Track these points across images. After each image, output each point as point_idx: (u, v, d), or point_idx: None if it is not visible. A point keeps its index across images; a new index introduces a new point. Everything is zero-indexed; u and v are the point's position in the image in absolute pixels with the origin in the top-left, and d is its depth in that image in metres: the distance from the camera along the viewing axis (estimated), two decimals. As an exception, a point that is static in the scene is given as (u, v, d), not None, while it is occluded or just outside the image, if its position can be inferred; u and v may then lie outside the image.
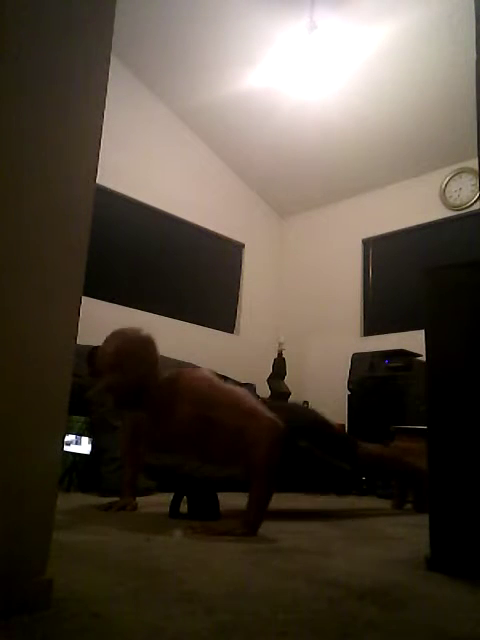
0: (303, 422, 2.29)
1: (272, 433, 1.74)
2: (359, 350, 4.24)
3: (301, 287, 5.41)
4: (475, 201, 4.29)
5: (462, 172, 4.39)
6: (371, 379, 3.93)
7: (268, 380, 4.54)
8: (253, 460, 1.72)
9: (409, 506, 2.72)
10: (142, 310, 4.34)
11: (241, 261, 5.34)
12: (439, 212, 4.50)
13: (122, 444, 2.28)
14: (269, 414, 1.81)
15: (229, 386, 1.99)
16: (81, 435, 2.77)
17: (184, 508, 1.99)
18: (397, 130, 4.32)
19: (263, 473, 1.72)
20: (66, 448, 2.74)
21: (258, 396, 3.92)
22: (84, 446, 2.76)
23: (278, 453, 1.74)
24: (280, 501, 2.71)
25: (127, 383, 1.84)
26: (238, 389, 2.04)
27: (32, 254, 0.89)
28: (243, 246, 5.34)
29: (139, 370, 1.85)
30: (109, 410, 2.16)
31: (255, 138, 4.74)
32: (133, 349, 1.86)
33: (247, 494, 1.74)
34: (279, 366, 4.59)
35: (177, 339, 4.35)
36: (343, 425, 4.14)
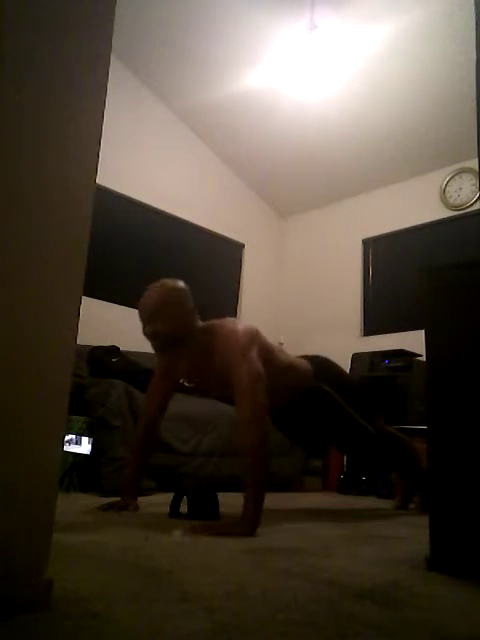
0: (332, 374, 2.46)
1: (253, 385, 1.82)
2: (359, 350, 4.24)
3: (301, 287, 5.41)
4: (475, 201, 4.29)
5: (462, 172, 4.39)
6: (371, 379, 3.93)
7: (268, 380, 4.53)
8: (243, 452, 1.76)
9: (412, 506, 2.71)
10: (142, 310, 4.33)
11: (241, 261, 5.34)
12: (439, 212, 4.50)
13: (134, 441, 2.27)
14: (254, 361, 1.88)
15: (265, 343, 2.11)
16: (81, 435, 2.77)
17: (184, 508, 1.99)
18: (397, 130, 4.32)
19: (254, 468, 1.74)
20: (66, 448, 2.74)
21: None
22: (84, 446, 2.76)
23: (267, 438, 1.79)
24: (280, 501, 2.71)
25: (169, 329, 1.97)
26: (276, 348, 2.27)
27: (32, 254, 0.89)
28: (243, 246, 5.34)
29: (179, 317, 1.99)
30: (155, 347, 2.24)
31: (255, 138, 4.74)
32: (173, 299, 1.99)
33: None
34: (279, 366, 4.58)
35: (177, 339, 4.35)
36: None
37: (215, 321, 2.09)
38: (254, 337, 2.00)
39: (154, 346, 2.06)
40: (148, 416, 2.23)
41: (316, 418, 2.38)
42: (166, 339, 2.00)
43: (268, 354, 2.08)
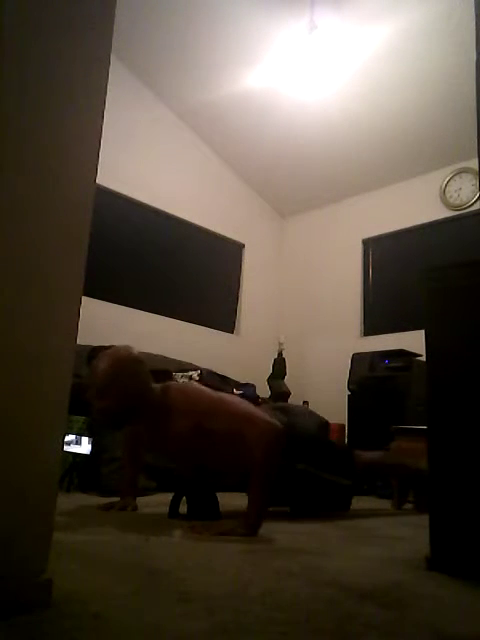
0: (300, 441, 2.21)
1: (270, 435, 1.74)
2: (359, 350, 4.24)
3: (301, 287, 5.41)
4: (475, 201, 4.29)
5: (462, 172, 4.39)
6: (371, 379, 3.93)
7: (268, 380, 4.54)
8: (253, 462, 1.73)
9: (410, 506, 2.72)
10: (142, 310, 4.34)
11: (241, 261, 5.34)
12: (439, 212, 4.50)
13: (123, 444, 2.29)
14: (266, 417, 1.82)
15: (221, 394, 2.00)
16: (81, 435, 2.77)
17: (184, 508, 1.99)
18: (397, 130, 4.32)
19: (262, 474, 1.72)
20: (66, 448, 2.74)
21: (258, 397, 3.92)
22: (84, 446, 2.75)
23: (278, 454, 1.75)
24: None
25: (119, 406, 1.84)
26: (230, 396, 2.06)
27: (32, 254, 0.89)
28: (243, 246, 5.34)
29: (129, 393, 1.84)
30: (107, 427, 2.17)
31: (255, 138, 4.74)
32: (122, 373, 1.83)
33: (247, 494, 1.74)
34: (279, 366, 4.59)
35: (177, 339, 4.35)
36: (343, 425, 4.14)
37: (162, 388, 1.94)
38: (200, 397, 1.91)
39: (105, 424, 1.98)
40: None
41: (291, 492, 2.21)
42: (116, 416, 1.88)
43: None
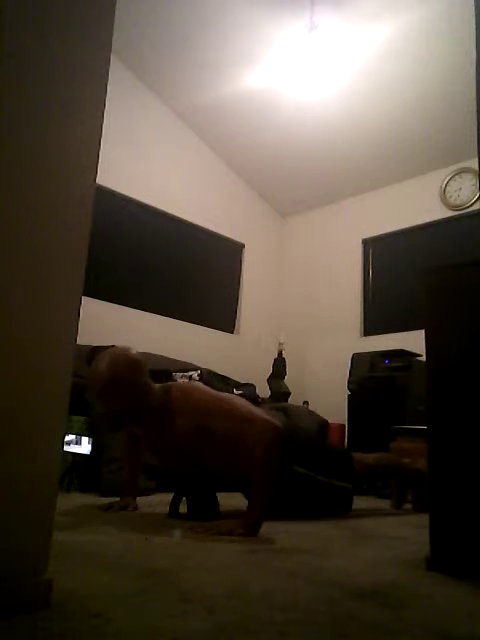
0: (300, 444, 2.20)
1: (271, 435, 1.74)
2: (359, 350, 4.24)
3: (301, 287, 5.41)
4: (475, 201, 4.29)
5: (462, 172, 4.39)
6: (371, 379, 3.93)
7: (268, 380, 4.54)
8: (253, 462, 1.73)
9: (408, 506, 2.72)
10: (142, 310, 4.34)
11: (241, 261, 5.34)
12: (439, 212, 4.50)
13: (122, 445, 2.29)
14: (266, 416, 1.82)
15: (221, 394, 2.00)
16: (81, 435, 2.77)
17: (184, 508, 1.99)
18: (397, 130, 4.32)
19: (263, 474, 1.72)
20: (66, 448, 2.74)
21: (258, 397, 3.91)
22: (84, 446, 2.76)
23: (278, 454, 1.74)
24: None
25: (120, 408, 1.84)
26: (231, 396, 2.05)
27: (32, 254, 0.89)
28: (243, 246, 5.34)
29: (129, 394, 1.83)
30: (108, 429, 2.17)
31: (255, 138, 4.74)
32: (121, 374, 1.82)
33: (246, 495, 1.74)
34: (279, 366, 4.58)
35: (177, 339, 4.35)
36: (343, 425, 4.14)
37: (163, 388, 1.94)
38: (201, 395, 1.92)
39: (106, 425, 1.98)
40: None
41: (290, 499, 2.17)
42: (117, 418, 1.88)
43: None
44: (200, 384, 2.03)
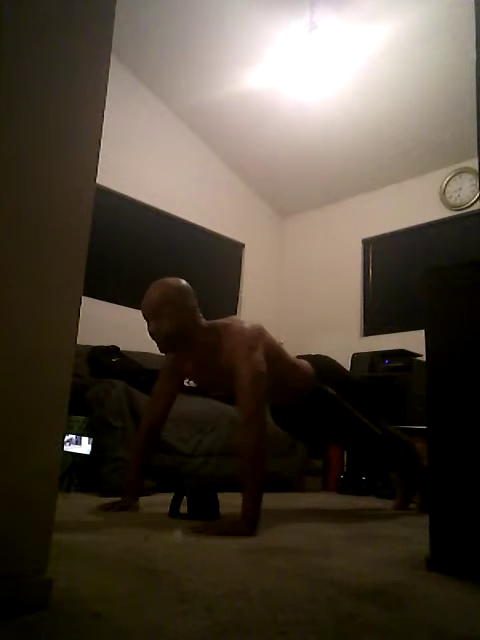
0: (335, 375, 2.43)
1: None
2: (359, 350, 4.24)
3: (301, 287, 5.41)
4: (475, 201, 4.29)
5: (462, 172, 4.39)
6: (371, 379, 3.93)
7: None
8: (242, 453, 1.79)
9: (413, 506, 2.71)
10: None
11: (241, 261, 5.34)
12: (439, 212, 4.50)
13: (135, 442, 2.26)
14: (258, 361, 1.89)
15: (271, 341, 2.13)
16: (81, 435, 2.77)
17: (184, 508, 1.99)
18: (397, 130, 4.32)
19: (252, 464, 1.75)
20: (66, 448, 2.74)
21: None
22: (84, 446, 2.75)
23: (265, 441, 1.79)
24: (280, 501, 2.71)
25: (170, 328, 1.96)
26: (273, 346, 2.16)
27: (32, 254, 0.89)
28: (243, 246, 5.34)
29: (181, 316, 1.96)
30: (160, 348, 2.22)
31: (255, 138, 4.74)
32: (174, 297, 1.96)
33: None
34: (279, 366, 4.58)
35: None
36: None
37: (220, 321, 2.07)
38: (260, 336, 2.01)
39: (158, 345, 2.06)
40: (152, 418, 2.21)
41: (321, 420, 2.38)
42: (168, 338, 1.98)
43: (274, 353, 2.08)
44: (249, 326, 2.05)
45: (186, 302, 1.99)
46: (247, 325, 2.02)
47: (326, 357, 2.57)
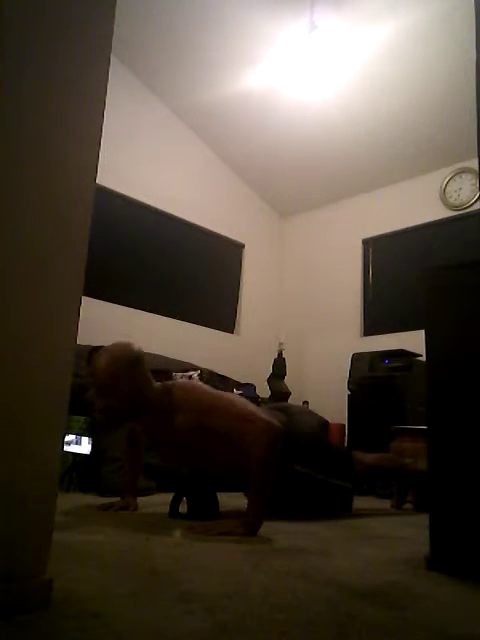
0: (300, 443, 2.20)
1: (270, 434, 1.74)
2: (359, 350, 4.24)
3: (301, 287, 5.41)
4: (475, 201, 4.29)
5: (462, 172, 4.39)
6: (371, 379, 3.93)
7: (268, 380, 4.54)
8: (252, 461, 1.73)
9: (409, 506, 2.72)
10: (142, 310, 4.34)
11: (241, 261, 5.34)
12: (439, 212, 4.50)
13: (122, 445, 2.29)
14: (265, 416, 1.82)
15: (221, 392, 2.01)
16: (81, 435, 2.77)
17: (184, 508, 1.99)
18: (397, 130, 4.32)
19: (261, 473, 1.72)
20: (66, 448, 2.74)
21: (258, 397, 3.91)
22: (84, 446, 2.76)
23: (277, 453, 1.75)
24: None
25: (120, 404, 1.85)
26: (231, 395, 2.07)
27: (32, 254, 0.89)
28: (243, 246, 5.34)
29: (130, 390, 1.84)
30: (107, 425, 2.17)
31: (255, 138, 4.74)
32: (121, 370, 1.83)
33: (246, 495, 1.75)
34: (279, 366, 4.58)
35: (177, 339, 4.35)
36: (343, 425, 4.14)
37: (170, 382, 1.98)
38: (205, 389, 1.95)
39: (106, 422, 2.00)
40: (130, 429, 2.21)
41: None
42: (117, 414, 1.89)
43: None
44: (201, 383, 2.04)
45: (134, 373, 1.84)
46: (189, 386, 1.96)
47: (294, 412, 2.35)
